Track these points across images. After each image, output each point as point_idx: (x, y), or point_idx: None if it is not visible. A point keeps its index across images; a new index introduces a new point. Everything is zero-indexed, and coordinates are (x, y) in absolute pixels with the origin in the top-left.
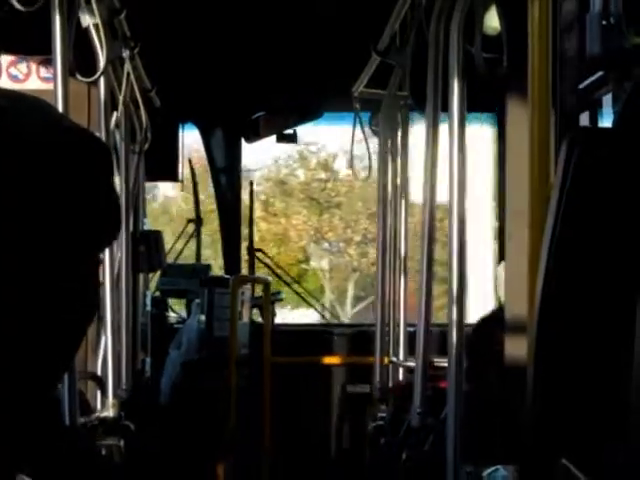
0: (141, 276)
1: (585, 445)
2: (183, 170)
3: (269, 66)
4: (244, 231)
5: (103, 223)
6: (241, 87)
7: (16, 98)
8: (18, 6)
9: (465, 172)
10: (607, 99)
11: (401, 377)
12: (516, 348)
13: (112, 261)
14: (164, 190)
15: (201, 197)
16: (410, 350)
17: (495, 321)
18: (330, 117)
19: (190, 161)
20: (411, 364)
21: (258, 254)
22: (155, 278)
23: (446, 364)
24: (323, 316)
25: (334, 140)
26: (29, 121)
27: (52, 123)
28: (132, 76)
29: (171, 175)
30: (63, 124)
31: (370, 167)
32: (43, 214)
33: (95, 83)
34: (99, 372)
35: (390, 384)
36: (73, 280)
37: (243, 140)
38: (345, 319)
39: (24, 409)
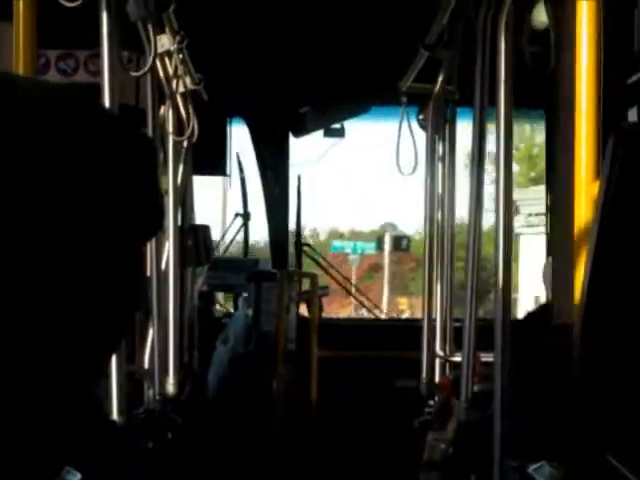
0: (189, 270)
1: (630, 441)
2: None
3: (317, 60)
4: None
5: (146, 215)
6: (289, 81)
7: (61, 90)
8: (63, 1)
9: (511, 166)
10: None
11: (448, 372)
12: (562, 344)
13: (159, 255)
14: None
15: None
16: (457, 345)
17: (542, 316)
18: (377, 111)
19: (238, 155)
20: (458, 359)
21: (305, 248)
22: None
23: (493, 359)
24: (370, 310)
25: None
26: (73, 113)
27: (95, 116)
28: (180, 70)
29: (219, 169)
30: (106, 117)
31: (416, 162)
32: (86, 205)
33: (143, 77)
34: (146, 366)
35: (437, 379)
36: (119, 271)
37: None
38: None
39: (71, 400)
